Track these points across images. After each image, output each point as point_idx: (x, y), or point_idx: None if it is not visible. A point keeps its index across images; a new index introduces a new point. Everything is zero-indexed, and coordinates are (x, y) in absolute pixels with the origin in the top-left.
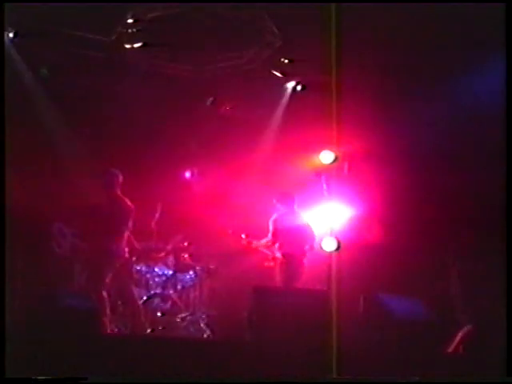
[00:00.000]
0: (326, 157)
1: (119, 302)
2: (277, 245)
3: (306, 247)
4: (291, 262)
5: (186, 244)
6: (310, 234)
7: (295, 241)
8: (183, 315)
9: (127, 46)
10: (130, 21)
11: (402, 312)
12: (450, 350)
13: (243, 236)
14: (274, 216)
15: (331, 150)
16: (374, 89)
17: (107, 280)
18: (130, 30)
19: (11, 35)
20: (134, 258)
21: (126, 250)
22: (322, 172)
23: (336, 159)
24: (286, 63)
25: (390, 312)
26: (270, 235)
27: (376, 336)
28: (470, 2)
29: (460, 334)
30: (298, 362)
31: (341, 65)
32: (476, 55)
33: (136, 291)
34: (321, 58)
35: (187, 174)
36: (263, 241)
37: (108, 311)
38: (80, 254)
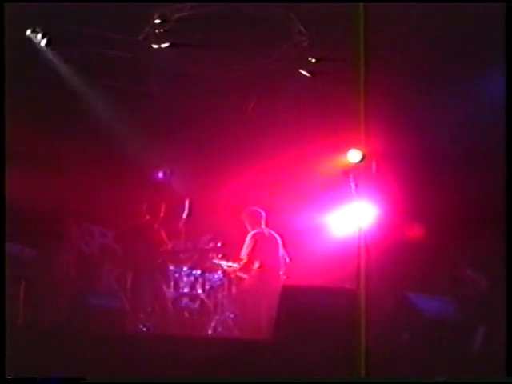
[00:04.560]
0: (354, 156)
1: (150, 302)
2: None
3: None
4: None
5: (214, 244)
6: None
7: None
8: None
9: (154, 47)
10: (157, 21)
11: (430, 312)
12: (475, 349)
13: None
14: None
15: (359, 148)
16: (402, 87)
17: (137, 279)
18: (157, 31)
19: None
20: (163, 258)
21: (156, 249)
22: (349, 171)
23: (364, 158)
24: (313, 62)
25: (418, 311)
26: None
27: (405, 336)
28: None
29: (481, 334)
30: (325, 362)
31: (369, 63)
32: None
33: (166, 291)
34: (349, 56)
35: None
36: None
37: (138, 311)
38: (109, 254)
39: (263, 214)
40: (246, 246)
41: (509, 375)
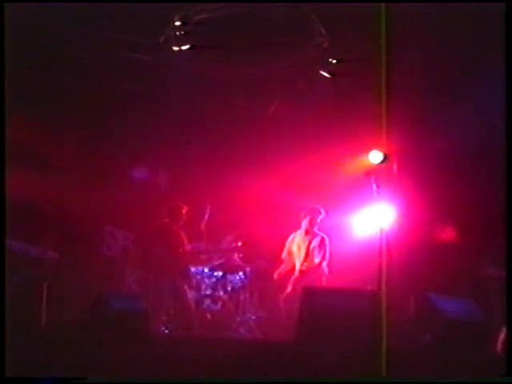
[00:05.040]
0: (376, 157)
1: (171, 304)
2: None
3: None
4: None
5: (235, 245)
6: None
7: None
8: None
9: (175, 49)
10: (177, 23)
11: (451, 313)
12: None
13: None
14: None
15: (380, 149)
16: (424, 87)
17: (158, 281)
18: (177, 33)
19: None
20: (183, 260)
21: (176, 251)
22: (371, 172)
23: (385, 159)
24: (334, 63)
25: (440, 312)
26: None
27: (426, 337)
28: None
29: (502, 336)
30: (347, 364)
31: (391, 64)
32: None
33: (188, 292)
34: (370, 57)
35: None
36: None
37: (160, 313)
38: (130, 256)
39: (323, 211)
40: (288, 246)
41: (509, 375)
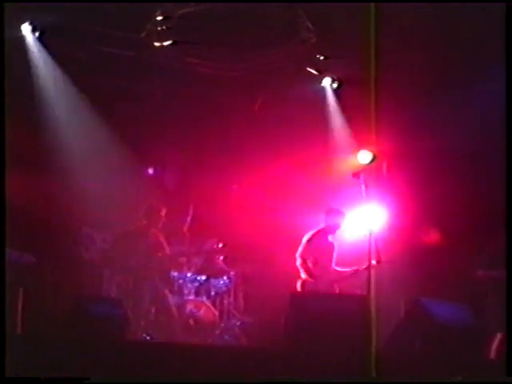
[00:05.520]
0: (364, 157)
1: (152, 309)
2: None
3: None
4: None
5: (219, 247)
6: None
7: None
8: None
9: (157, 44)
10: (159, 18)
11: (442, 316)
12: (490, 355)
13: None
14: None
15: (369, 149)
16: (413, 87)
17: (138, 286)
18: (159, 28)
19: (37, 34)
20: (162, 263)
21: (157, 254)
22: (360, 172)
23: (374, 159)
24: (321, 60)
25: (430, 316)
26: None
27: (416, 340)
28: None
29: (496, 340)
30: (336, 369)
31: (379, 62)
32: None
33: (170, 297)
34: (359, 55)
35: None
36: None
37: (139, 318)
38: (109, 259)
39: (345, 213)
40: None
41: (509, 375)
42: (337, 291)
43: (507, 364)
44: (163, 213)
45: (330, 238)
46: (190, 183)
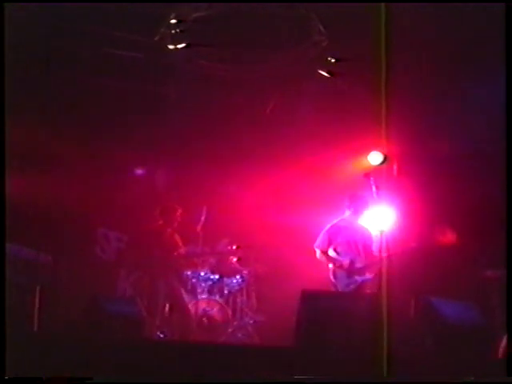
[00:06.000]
0: (375, 158)
1: (166, 308)
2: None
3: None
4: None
5: (232, 248)
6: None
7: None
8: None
9: (171, 47)
10: (173, 21)
11: (452, 316)
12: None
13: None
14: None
15: (380, 150)
16: (424, 87)
17: (153, 285)
18: (173, 31)
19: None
20: (178, 263)
21: (170, 254)
22: (370, 174)
23: (385, 160)
24: (332, 62)
25: (440, 316)
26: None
27: (427, 340)
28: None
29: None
30: (347, 368)
31: (390, 63)
32: None
33: (184, 296)
34: (370, 56)
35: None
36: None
37: (154, 317)
38: (124, 259)
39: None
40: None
41: (509, 375)
42: (370, 277)
43: (507, 364)
44: (178, 213)
45: (354, 224)
46: (203, 184)
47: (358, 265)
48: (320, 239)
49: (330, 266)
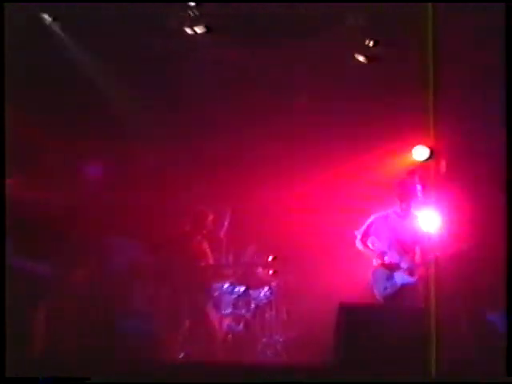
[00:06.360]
0: (421, 153)
1: (188, 324)
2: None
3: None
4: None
5: (266, 259)
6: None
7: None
8: None
9: (189, 32)
10: (192, 4)
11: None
12: None
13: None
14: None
15: (426, 145)
16: (475, 77)
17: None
18: (192, 14)
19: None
20: (205, 274)
21: (200, 264)
22: (415, 170)
23: (432, 156)
24: (377, 53)
25: (496, 331)
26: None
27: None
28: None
29: None
30: None
31: (438, 52)
32: None
33: (208, 311)
34: (417, 45)
35: None
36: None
37: (175, 335)
38: (140, 270)
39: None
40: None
41: (509, 375)
42: (411, 280)
43: (507, 364)
44: (210, 218)
45: (400, 222)
46: (227, 183)
47: (400, 264)
48: (364, 227)
49: (374, 262)
